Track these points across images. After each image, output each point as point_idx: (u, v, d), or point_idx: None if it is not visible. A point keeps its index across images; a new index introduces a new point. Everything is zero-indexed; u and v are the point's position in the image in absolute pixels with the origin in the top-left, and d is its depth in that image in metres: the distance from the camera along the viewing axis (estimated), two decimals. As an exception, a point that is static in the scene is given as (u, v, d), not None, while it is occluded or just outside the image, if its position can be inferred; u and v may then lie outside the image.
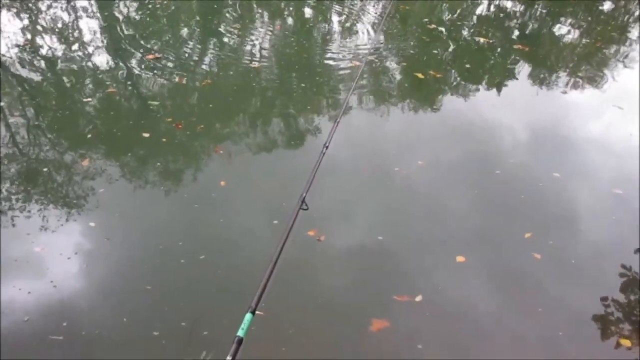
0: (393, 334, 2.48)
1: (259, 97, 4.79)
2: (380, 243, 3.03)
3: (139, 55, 5.28)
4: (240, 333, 1.56)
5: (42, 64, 5.14)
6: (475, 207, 3.43)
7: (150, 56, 5.22)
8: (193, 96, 4.74)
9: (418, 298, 2.66)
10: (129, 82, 4.86)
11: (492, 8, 7.58)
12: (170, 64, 5.17)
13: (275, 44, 5.94)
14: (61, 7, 6.58)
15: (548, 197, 3.57)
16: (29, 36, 5.75)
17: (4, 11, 6.26)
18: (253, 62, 5.33)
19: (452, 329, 2.57)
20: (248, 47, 5.80)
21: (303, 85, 4.99)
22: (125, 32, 5.94)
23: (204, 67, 5.28)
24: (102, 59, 5.28)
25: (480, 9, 7.51)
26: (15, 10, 6.38)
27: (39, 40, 5.64)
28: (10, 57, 5.16)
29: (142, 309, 2.60)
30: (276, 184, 3.50)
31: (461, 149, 4.04)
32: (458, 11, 7.26)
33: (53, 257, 2.88)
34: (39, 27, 6.05)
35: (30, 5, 6.56)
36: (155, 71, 5.02)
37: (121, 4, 6.77)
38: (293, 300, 2.62)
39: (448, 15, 7.15)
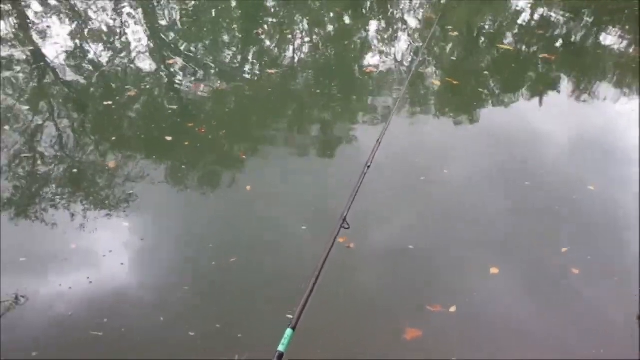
0: (426, 343, 2.55)
1: (288, 104, 4.86)
2: (411, 252, 3.08)
3: (163, 59, 5.38)
4: (281, 348, 1.60)
5: (64, 68, 5.22)
6: (509, 218, 3.44)
7: (172, 61, 5.32)
8: (220, 101, 4.81)
9: (452, 309, 2.72)
10: (150, 86, 4.95)
11: (535, 17, 7.48)
12: (193, 70, 5.27)
13: (312, 51, 6.02)
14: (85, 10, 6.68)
15: (583, 209, 3.52)
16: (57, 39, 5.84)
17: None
18: (283, 69, 5.42)
19: (486, 341, 2.62)
20: (282, 54, 5.88)
21: (337, 93, 5.04)
22: (154, 36, 6.05)
23: (233, 73, 5.35)
24: (126, 62, 5.38)
25: (524, 18, 7.38)
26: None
27: (59, 43, 5.72)
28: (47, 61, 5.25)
29: (178, 308, 2.68)
30: (304, 189, 3.59)
31: (498, 160, 4.02)
32: (501, 19, 7.30)
33: (89, 254, 2.97)
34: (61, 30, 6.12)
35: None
36: (178, 76, 5.12)
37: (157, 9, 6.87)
38: (324, 308, 2.64)
39: (491, 23, 7.19)
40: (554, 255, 3.12)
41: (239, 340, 2.53)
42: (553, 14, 7.32)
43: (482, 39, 6.63)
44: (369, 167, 2.43)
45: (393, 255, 3.07)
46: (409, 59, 5.87)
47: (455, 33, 6.37)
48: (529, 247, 3.20)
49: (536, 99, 5.11)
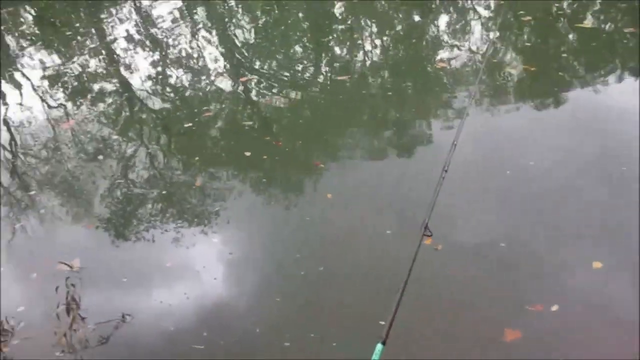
0: (528, 345, 2.44)
1: (361, 109, 4.84)
2: (503, 250, 2.97)
3: (237, 77, 5.57)
4: None
5: (148, 95, 5.52)
6: (608, 209, 3.22)
7: (244, 79, 5.49)
8: (294, 113, 4.89)
9: (554, 307, 2.59)
10: (226, 105, 5.12)
11: None
12: (267, 84, 5.41)
13: (381, 53, 6.02)
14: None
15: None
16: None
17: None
18: (354, 75, 5.44)
19: (594, 342, 2.47)
20: (352, 59, 5.90)
21: (410, 93, 4.99)
22: (228, 56, 6.28)
23: (305, 84, 5.43)
24: (203, 84, 5.61)
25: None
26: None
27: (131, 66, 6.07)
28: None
29: (271, 319, 2.74)
30: (383, 195, 3.57)
31: (587, 148, 3.77)
32: None
33: (183, 271, 3.11)
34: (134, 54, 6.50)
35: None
36: (253, 92, 5.28)
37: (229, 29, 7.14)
38: (418, 312, 2.61)
39: (566, 2, 6.78)
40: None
41: (333, 349, 2.54)
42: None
43: (558, 20, 6.31)
44: (446, 171, 2.36)
45: (484, 255, 2.96)
46: (481, 50, 5.69)
47: (528, 17, 6.10)
48: (634, 239, 2.94)
49: (626, 79, 4.75)
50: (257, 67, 5.99)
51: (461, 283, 2.82)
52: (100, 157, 4.38)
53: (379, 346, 1.64)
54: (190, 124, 4.74)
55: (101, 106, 5.30)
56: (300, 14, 7.49)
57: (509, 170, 3.59)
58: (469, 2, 7.22)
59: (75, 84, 5.91)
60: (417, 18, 6.91)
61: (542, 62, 5.17)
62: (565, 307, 2.59)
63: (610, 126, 3.98)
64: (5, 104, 5.69)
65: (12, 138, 4.97)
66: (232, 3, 8.22)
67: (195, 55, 6.38)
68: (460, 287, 2.80)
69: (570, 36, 5.86)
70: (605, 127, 3.98)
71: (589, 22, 5.92)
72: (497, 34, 5.92)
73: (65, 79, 6.01)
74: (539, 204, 3.31)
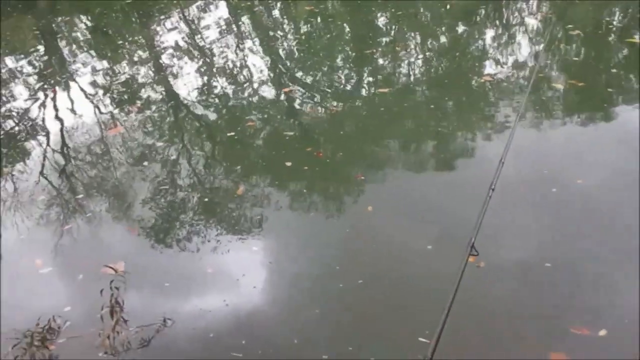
0: None
1: (402, 122, 4.83)
2: (549, 270, 2.89)
3: (280, 88, 5.64)
4: None
5: (193, 104, 5.64)
6: None
7: (287, 90, 5.55)
8: (336, 124, 4.90)
9: (602, 332, 2.50)
10: (268, 115, 5.18)
11: None
12: (307, 95, 5.45)
13: (424, 66, 5.99)
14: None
15: None
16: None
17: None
18: (397, 87, 5.44)
19: None
20: (394, 71, 5.90)
21: (453, 107, 4.94)
22: (272, 67, 6.38)
23: (347, 95, 5.44)
24: (247, 94, 5.70)
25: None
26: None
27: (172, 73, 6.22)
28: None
29: (310, 331, 2.74)
30: (426, 208, 3.53)
31: (635, 165, 3.64)
32: (626, 11, 6.70)
33: (223, 278, 3.14)
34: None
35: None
36: (295, 103, 5.33)
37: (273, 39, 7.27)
38: (459, 336, 2.50)
39: (616, 17, 6.65)
40: None
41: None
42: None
43: (607, 34, 6.14)
44: (493, 189, 2.32)
45: (529, 275, 2.89)
46: (528, 64, 5.59)
47: (577, 31, 5.97)
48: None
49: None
50: (301, 78, 6.05)
51: (503, 304, 2.76)
52: (145, 162, 4.50)
53: None
54: (232, 133, 4.82)
55: (147, 113, 5.45)
56: (345, 25, 7.53)
57: (554, 188, 3.50)
58: (516, 16, 7.12)
59: (124, 89, 6.10)
60: (460, 30, 6.86)
61: (590, 76, 5.05)
62: (613, 331, 2.50)
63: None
64: (56, 108, 5.91)
65: (63, 142, 5.16)
66: (277, 13, 8.35)
67: (239, 65, 6.50)
68: (501, 308, 2.74)
69: (618, 51, 5.69)
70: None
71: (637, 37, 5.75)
72: (544, 47, 5.80)
73: (115, 86, 6.21)
74: (583, 222, 3.23)
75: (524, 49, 6.05)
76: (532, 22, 6.79)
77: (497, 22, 7.00)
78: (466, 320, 2.58)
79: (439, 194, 3.69)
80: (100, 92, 6.15)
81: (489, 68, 5.59)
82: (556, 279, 2.83)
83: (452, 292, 1.81)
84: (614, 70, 5.26)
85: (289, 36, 7.36)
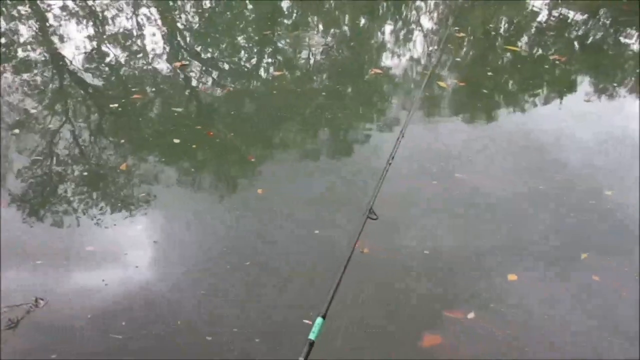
0: (445, 350, 2.56)
1: (296, 107, 4.89)
2: (427, 257, 3.09)
3: (174, 61, 5.43)
4: (311, 336, 1.64)
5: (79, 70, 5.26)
6: (530, 224, 3.42)
7: (178, 64, 5.36)
8: (229, 104, 4.84)
9: (470, 315, 2.72)
10: (155, 89, 4.98)
11: (546, 18, 7.55)
12: (203, 72, 5.31)
13: (323, 54, 6.04)
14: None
15: (600, 215, 3.52)
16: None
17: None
18: (294, 71, 5.49)
19: (506, 347, 2.60)
20: (293, 56, 5.92)
21: (347, 96, 5.10)
22: (167, 38, 6.09)
23: (243, 76, 5.39)
24: (137, 64, 5.41)
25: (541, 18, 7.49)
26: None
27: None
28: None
29: (195, 312, 2.71)
30: (313, 193, 3.63)
31: (510, 163, 4.05)
32: (513, 20, 7.34)
33: (104, 256, 3.01)
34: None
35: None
36: (188, 78, 5.16)
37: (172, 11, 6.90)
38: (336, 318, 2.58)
39: (502, 24, 7.25)
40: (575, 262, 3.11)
41: (255, 344, 2.55)
42: (568, 14, 7.40)
43: (490, 40, 6.68)
44: (393, 158, 2.47)
45: (410, 262, 3.07)
46: (422, 61, 5.92)
47: (463, 34, 6.42)
48: (550, 254, 3.17)
49: (543, 101, 5.19)
50: (196, 53, 5.87)
51: (380, 287, 2.93)
52: (17, 130, 4.14)
53: (319, 319, 1.69)
54: (116, 105, 4.58)
55: (25, 75, 4.99)
56: (249, 4, 7.41)
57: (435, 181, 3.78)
58: (415, 15, 7.47)
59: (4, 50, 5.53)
60: (361, 22, 7.07)
61: (471, 78, 5.47)
62: (480, 314, 2.73)
63: (530, 144, 4.31)
64: None
65: None
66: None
67: (132, 33, 6.16)
68: (377, 291, 2.90)
69: (499, 57, 6.21)
70: (525, 145, 4.29)
71: (517, 45, 6.33)
72: (438, 47, 6.20)
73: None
74: (467, 217, 3.50)
75: (418, 48, 6.41)
76: (429, 24, 7.18)
77: (396, 18, 7.30)
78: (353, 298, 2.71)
79: (331, 177, 3.80)
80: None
81: (384, 62, 5.89)
82: (435, 266, 3.05)
83: (347, 257, 1.89)
84: (490, 74, 5.75)
85: (190, 9, 7.08)
